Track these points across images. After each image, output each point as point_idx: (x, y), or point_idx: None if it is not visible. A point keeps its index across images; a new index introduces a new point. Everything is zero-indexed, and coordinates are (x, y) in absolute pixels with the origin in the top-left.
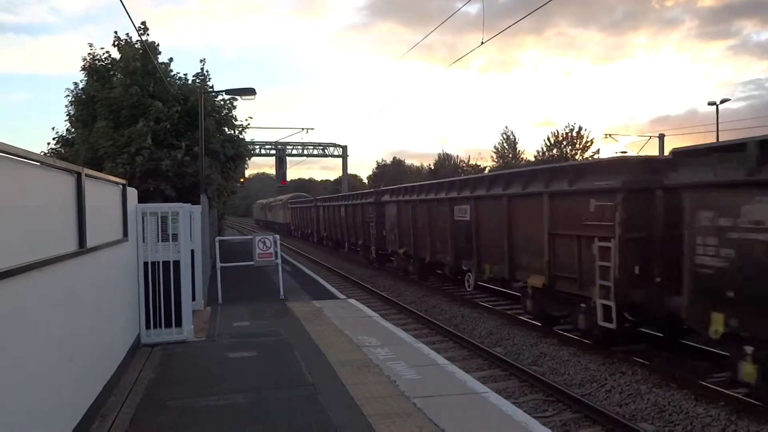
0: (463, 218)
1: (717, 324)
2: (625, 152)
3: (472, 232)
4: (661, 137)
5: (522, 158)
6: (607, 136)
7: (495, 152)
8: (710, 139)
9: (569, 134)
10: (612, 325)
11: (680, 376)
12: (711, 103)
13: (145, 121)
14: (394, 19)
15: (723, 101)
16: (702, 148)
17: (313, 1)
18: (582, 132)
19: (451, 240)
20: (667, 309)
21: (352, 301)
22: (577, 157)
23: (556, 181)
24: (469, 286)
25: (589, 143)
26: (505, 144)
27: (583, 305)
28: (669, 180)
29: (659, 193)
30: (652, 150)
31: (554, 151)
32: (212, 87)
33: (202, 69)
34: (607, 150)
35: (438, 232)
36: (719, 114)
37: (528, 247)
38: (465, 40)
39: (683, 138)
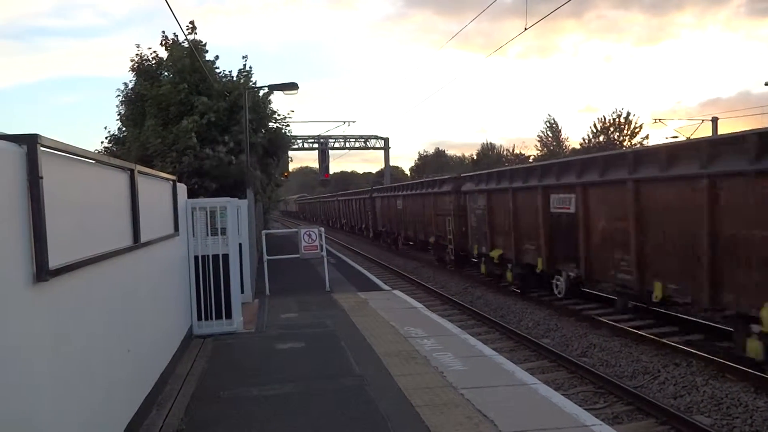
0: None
1: None
2: (676, 137)
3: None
4: (714, 120)
5: (566, 146)
6: (657, 120)
7: (539, 140)
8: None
9: (617, 120)
10: None
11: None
12: None
13: (189, 118)
14: (429, 8)
15: None
16: None
17: None
18: (630, 117)
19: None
20: None
21: (397, 292)
22: (625, 143)
23: None
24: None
25: (638, 129)
26: (548, 132)
27: None
28: None
29: None
30: (705, 134)
31: (601, 137)
32: (255, 83)
33: (244, 65)
34: (656, 135)
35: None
36: None
37: None
38: (502, 27)
39: (738, 121)
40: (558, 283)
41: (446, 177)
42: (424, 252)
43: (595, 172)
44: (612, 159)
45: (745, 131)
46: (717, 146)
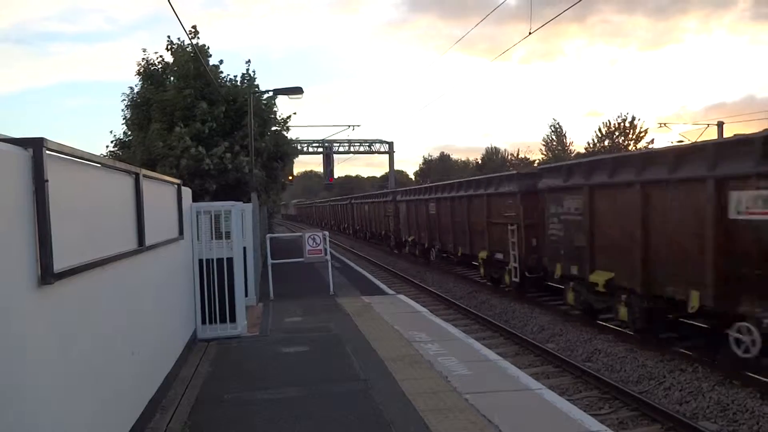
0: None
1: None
2: (681, 141)
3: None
4: (720, 125)
5: (571, 150)
6: (662, 125)
7: (544, 145)
8: None
9: (622, 124)
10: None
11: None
12: None
13: (184, 124)
14: (432, 13)
15: None
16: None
17: None
18: (635, 122)
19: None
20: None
21: (401, 296)
22: (630, 147)
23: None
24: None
25: (643, 133)
26: (553, 136)
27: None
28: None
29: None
30: (711, 138)
31: (606, 142)
32: (258, 87)
33: (247, 70)
34: (661, 140)
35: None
36: None
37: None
38: (505, 31)
39: (743, 125)
40: (432, 252)
41: (388, 191)
42: (380, 242)
43: (446, 191)
44: (439, 187)
45: (464, 179)
46: (470, 183)
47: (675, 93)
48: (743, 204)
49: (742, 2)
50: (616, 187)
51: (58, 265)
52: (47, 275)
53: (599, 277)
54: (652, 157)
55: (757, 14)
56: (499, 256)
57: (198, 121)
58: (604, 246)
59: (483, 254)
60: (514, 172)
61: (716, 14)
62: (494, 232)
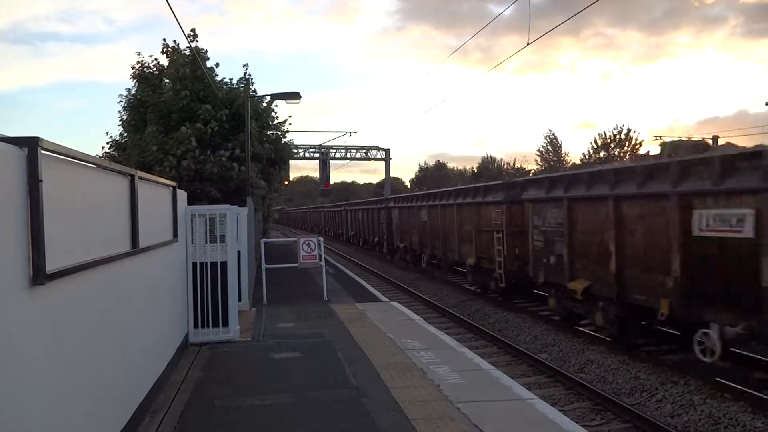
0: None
1: None
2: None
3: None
4: (715, 139)
5: (567, 161)
6: (657, 137)
7: (539, 155)
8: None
9: (617, 136)
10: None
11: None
12: None
13: (190, 124)
14: (426, 22)
15: None
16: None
17: (344, 6)
18: (631, 133)
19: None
20: None
21: (395, 303)
22: (625, 159)
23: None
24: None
25: (638, 145)
26: (549, 146)
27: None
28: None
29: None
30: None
31: (601, 153)
32: (255, 91)
33: (245, 74)
34: (656, 152)
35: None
36: None
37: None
38: (499, 42)
39: (737, 140)
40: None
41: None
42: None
43: (404, 201)
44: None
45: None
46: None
47: (669, 106)
48: None
49: (733, 19)
50: None
51: (51, 266)
52: (39, 276)
53: None
54: None
55: (748, 31)
56: None
57: (200, 122)
58: None
59: None
60: None
61: (708, 30)
62: None
